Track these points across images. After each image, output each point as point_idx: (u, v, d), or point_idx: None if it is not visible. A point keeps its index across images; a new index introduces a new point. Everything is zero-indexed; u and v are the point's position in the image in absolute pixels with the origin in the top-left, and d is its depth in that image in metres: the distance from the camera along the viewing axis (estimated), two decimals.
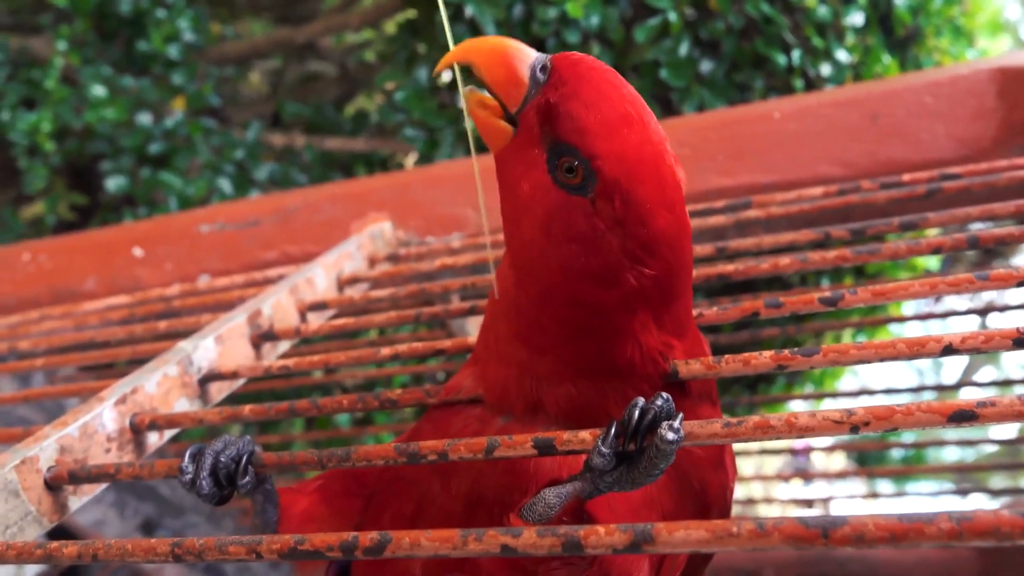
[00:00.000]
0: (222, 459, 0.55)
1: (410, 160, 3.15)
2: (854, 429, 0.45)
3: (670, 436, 0.46)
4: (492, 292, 0.61)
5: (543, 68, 0.53)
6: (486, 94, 0.56)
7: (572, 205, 0.52)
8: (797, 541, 0.37)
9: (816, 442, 3.01)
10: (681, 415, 0.47)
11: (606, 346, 0.54)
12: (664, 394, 0.48)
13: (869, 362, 0.53)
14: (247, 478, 0.56)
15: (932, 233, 1.21)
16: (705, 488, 0.58)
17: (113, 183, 2.69)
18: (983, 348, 0.52)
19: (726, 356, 0.56)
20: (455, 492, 0.58)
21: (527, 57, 0.53)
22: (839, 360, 0.53)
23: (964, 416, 0.43)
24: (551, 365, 0.55)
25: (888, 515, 0.36)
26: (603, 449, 0.47)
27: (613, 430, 0.47)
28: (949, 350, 0.52)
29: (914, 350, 0.52)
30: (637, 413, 0.47)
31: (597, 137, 0.51)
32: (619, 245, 0.52)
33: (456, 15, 2.03)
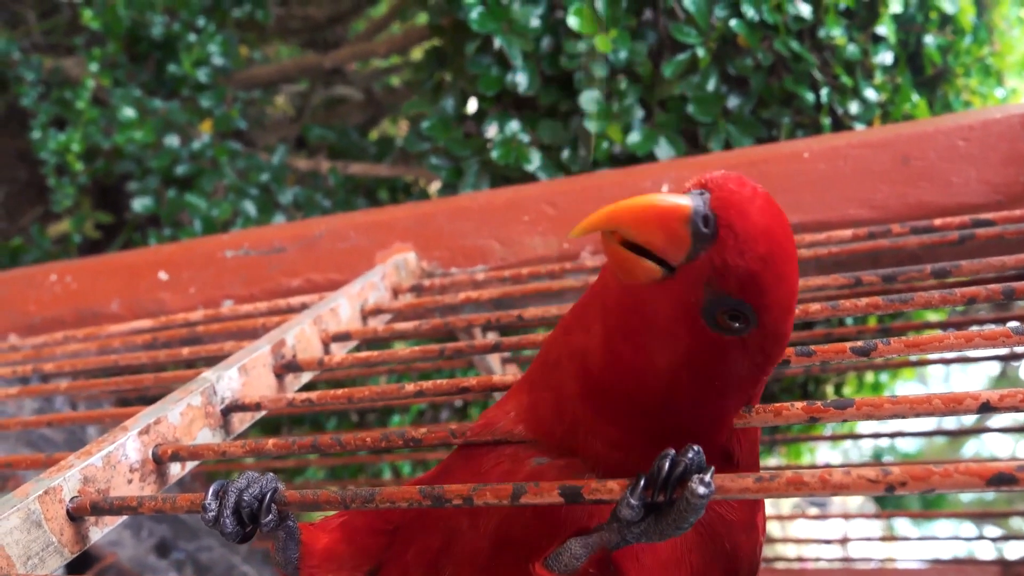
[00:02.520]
0: (245, 497, 0.55)
1: (434, 187, 3.16)
2: (890, 489, 0.44)
3: (701, 490, 0.45)
4: (560, 331, 0.60)
5: (705, 221, 0.48)
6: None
7: (724, 344, 0.51)
8: None
9: None
10: (712, 468, 0.46)
11: (698, 431, 0.54)
12: (695, 447, 0.47)
13: (904, 417, 0.52)
14: (270, 516, 0.55)
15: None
16: (736, 550, 0.57)
17: (139, 203, 2.72)
18: (1021, 406, 0.51)
19: (756, 407, 0.55)
20: (483, 530, 0.57)
21: (684, 212, 0.48)
22: (873, 414, 0.52)
23: (1004, 480, 0.42)
24: (615, 433, 0.55)
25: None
26: (632, 501, 0.46)
27: (643, 481, 0.46)
28: (986, 408, 0.51)
29: (950, 407, 0.51)
30: (668, 464, 0.46)
31: (769, 294, 0.50)
32: (758, 366, 0.53)
33: (484, 47, 2.04)
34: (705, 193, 0.49)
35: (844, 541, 2.30)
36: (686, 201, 0.49)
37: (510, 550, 0.55)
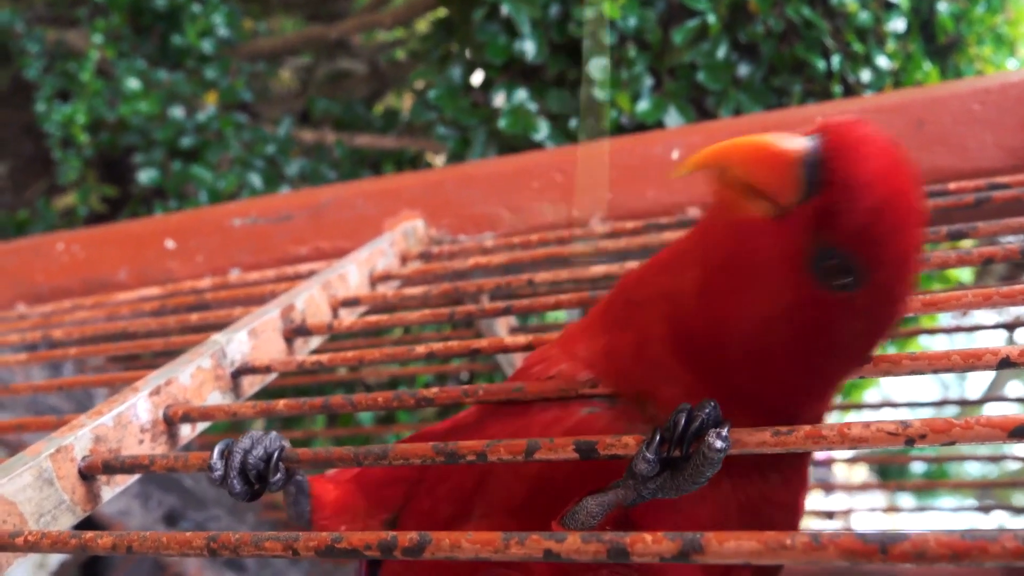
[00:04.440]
0: (250, 458, 0.54)
1: (439, 159, 3.15)
2: (909, 441, 0.44)
3: (718, 444, 0.44)
4: (651, 271, 0.57)
5: (816, 166, 0.46)
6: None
7: (830, 303, 0.48)
8: (854, 556, 0.35)
9: (838, 453, 2.98)
10: (729, 422, 0.46)
11: (785, 402, 0.52)
12: (712, 401, 0.46)
13: (923, 373, 0.51)
14: (278, 475, 0.55)
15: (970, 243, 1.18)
16: (774, 527, 0.55)
17: (145, 175, 2.71)
18: None
19: None
20: (520, 472, 0.56)
21: (795, 154, 0.46)
22: (892, 370, 0.52)
23: None
24: (695, 382, 0.52)
25: (950, 531, 0.35)
26: (648, 455, 0.46)
27: (658, 436, 0.46)
28: (1006, 363, 0.50)
29: (969, 362, 0.51)
30: (684, 419, 0.46)
31: (880, 247, 0.46)
32: (866, 334, 0.50)
33: (491, 14, 2.02)
34: (821, 137, 0.47)
35: (847, 513, 2.30)
36: (799, 144, 0.47)
37: (546, 496, 0.54)
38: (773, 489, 0.54)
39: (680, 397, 0.51)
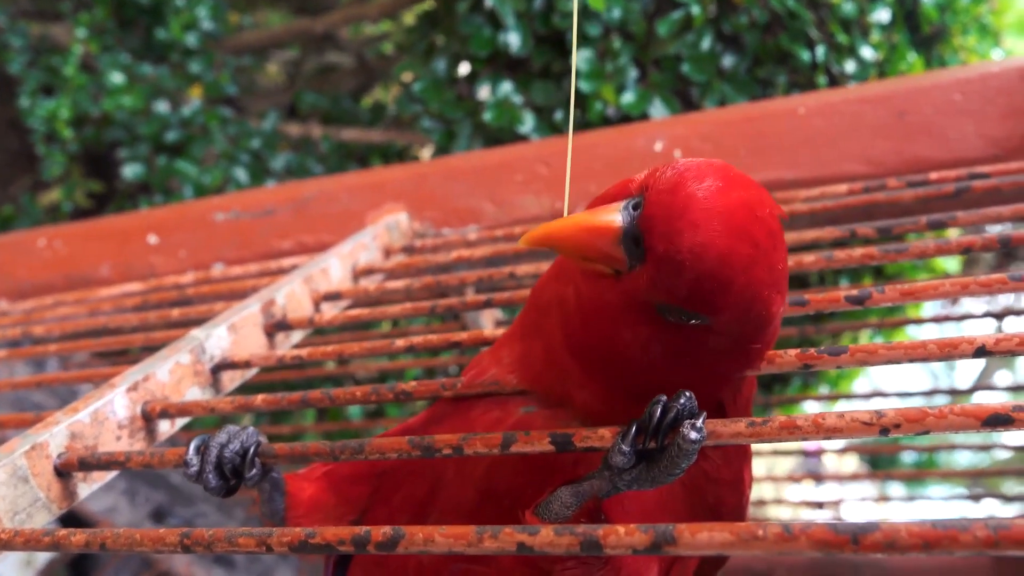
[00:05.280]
0: (226, 453, 0.54)
1: (426, 152, 3.14)
2: (884, 431, 0.44)
3: (693, 436, 0.44)
4: (548, 276, 0.58)
5: (636, 240, 0.47)
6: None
7: (689, 330, 0.49)
8: (826, 547, 0.35)
9: (828, 444, 2.99)
10: (704, 414, 0.46)
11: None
12: (687, 392, 0.46)
13: (899, 362, 0.51)
14: (254, 471, 0.55)
15: (954, 233, 1.19)
16: (719, 505, 0.56)
17: (130, 170, 2.69)
18: (1017, 350, 0.50)
19: None
20: (469, 478, 0.57)
21: (613, 232, 0.47)
22: (867, 360, 0.52)
23: (1000, 420, 0.42)
24: (600, 386, 0.53)
25: (921, 521, 0.34)
26: (623, 447, 0.46)
27: (634, 428, 0.46)
28: (982, 352, 0.50)
29: (946, 351, 0.51)
30: (659, 410, 0.46)
31: (714, 303, 0.47)
32: (740, 345, 0.50)
33: (476, 6, 2.01)
34: (639, 203, 0.48)
35: (837, 503, 2.31)
36: (616, 219, 0.47)
37: (496, 498, 0.55)
38: (715, 467, 0.56)
39: (591, 403, 0.53)
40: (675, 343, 0.49)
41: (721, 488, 0.57)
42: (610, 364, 0.52)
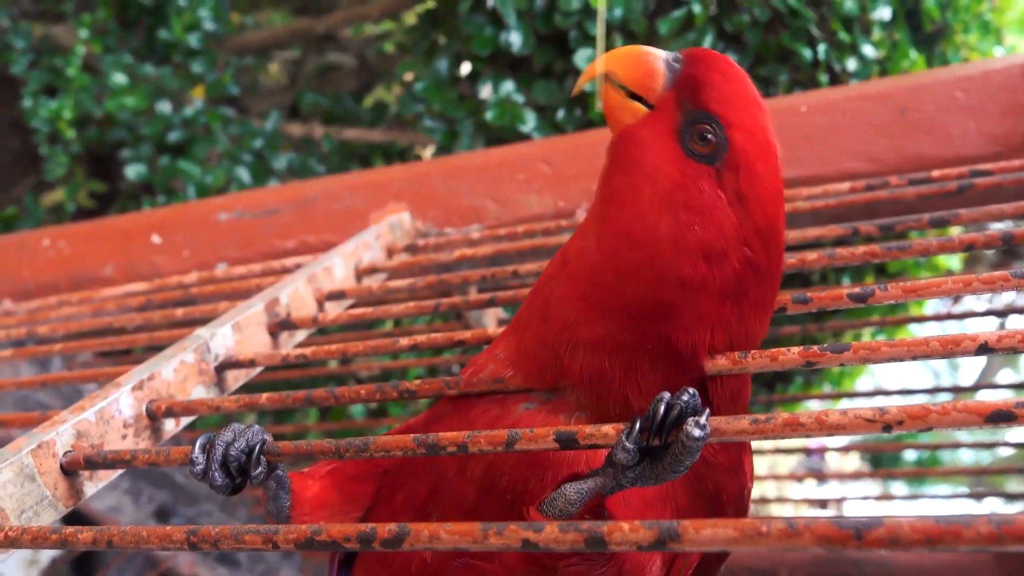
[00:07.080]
0: (232, 451, 0.54)
1: (428, 152, 3.14)
2: (887, 428, 0.44)
3: (696, 433, 0.44)
4: (558, 259, 0.60)
5: (676, 59, 0.57)
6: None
7: (699, 173, 0.54)
8: (829, 542, 0.35)
9: (831, 442, 2.98)
10: (708, 411, 0.46)
11: (675, 328, 0.53)
12: (691, 389, 0.46)
13: (902, 360, 0.51)
14: (259, 468, 0.55)
15: (955, 231, 1.19)
16: (720, 492, 0.57)
17: (132, 171, 2.69)
18: (1019, 347, 0.50)
19: (753, 351, 0.54)
20: (470, 476, 0.57)
21: (660, 53, 0.58)
22: (871, 358, 0.52)
23: (1003, 416, 0.42)
24: (598, 331, 0.54)
25: (924, 517, 0.35)
26: (627, 444, 0.46)
27: (638, 425, 0.46)
28: (984, 349, 0.50)
29: (948, 348, 0.51)
30: (663, 408, 0.46)
31: (735, 107, 0.54)
32: (735, 221, 0.52)
33: (477, 6, 2.01)
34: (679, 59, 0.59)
35: (840, 502, 2.31)
36: (663, 52, 0.59)
37: (496, 495, 0.56)
38: (713, 453, 0.56)
39: (585, 364, 0.55)
40: (691, 186, 0.54)
41: (720, 474, 0.57)
42: (628, 209, 0.55)
